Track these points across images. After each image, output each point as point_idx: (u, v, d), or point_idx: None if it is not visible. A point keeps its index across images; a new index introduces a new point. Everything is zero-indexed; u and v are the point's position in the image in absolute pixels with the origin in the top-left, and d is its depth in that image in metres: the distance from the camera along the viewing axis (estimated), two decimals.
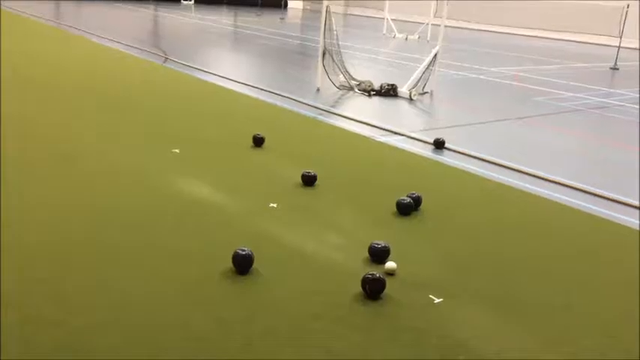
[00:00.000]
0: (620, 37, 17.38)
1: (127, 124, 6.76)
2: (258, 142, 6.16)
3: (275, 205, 4.57)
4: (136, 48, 13.33)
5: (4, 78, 8.45)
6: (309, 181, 5.05)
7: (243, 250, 3.47)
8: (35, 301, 3.02)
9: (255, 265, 3.49)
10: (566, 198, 5.30)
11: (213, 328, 2.90)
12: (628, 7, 17.11)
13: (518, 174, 5.92)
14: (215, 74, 10.76)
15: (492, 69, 14.30)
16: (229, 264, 3.48)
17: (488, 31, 27.92)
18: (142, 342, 2.75)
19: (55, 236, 3.78)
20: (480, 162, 6.27)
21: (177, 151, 5.78)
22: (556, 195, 5.35)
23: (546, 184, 5.67)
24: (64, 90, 8.30)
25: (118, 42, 14.04)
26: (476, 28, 28.16)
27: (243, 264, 3.45)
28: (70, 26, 16.61)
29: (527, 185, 5.57)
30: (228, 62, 13.36)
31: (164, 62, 11.81)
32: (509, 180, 5.70)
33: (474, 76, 12.97)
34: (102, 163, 5.30)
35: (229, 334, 2.87)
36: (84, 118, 6.86)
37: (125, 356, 2.64)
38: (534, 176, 5.86)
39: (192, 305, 3.10)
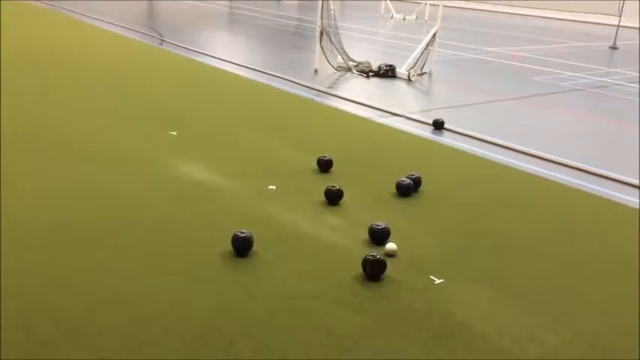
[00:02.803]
0: (620, 16, 17.24)
1: (124, 106, 6.70)
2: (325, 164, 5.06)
3: (274, 187, 4.55)
4: (131, 30, 13.20)
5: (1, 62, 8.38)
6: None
7: (243, 233, 3.46)
8: (35, 285, 3.01)
9: (254, 247, 3.48)
10: (566, 177, 5.28)
11: (213, 310, 2.90)
12: None
13: (518, 154, 5.89)
14: (211, 56, 10.67)
15: (491, 49, 14.20)
16: (229, 246, 3.47)
17: (485, 10, 27.68)
18: (142, 325, 2.75)
19: (54, 220, 3.76)
20: (480, 142, 6.24)
21: (174, 133, 5.75)
22: (555, 175, 5.34)
23: (546, 163, 5.65)
24: (60, 73, 8.22)
25: (113, 24, 13.89)
26: (473, 7, 27.93)
27: (242, 246, 3.44)
28: (65, 9, 16.43)
29: (526, 165, 5.55)
30: (225, 44, 13.24)
31: (160, 44, 11.70)
32: (509, 160, 5.68)
33: (472, 56, 12.88)
34: (99, 145, 5.27)
35: (229, 315, 2.87)
36: (81, 101, 6.80)
37: (125, 338, 2.63)
38: (534, 156, 5.83)
39: (193, 287, 3.10)
